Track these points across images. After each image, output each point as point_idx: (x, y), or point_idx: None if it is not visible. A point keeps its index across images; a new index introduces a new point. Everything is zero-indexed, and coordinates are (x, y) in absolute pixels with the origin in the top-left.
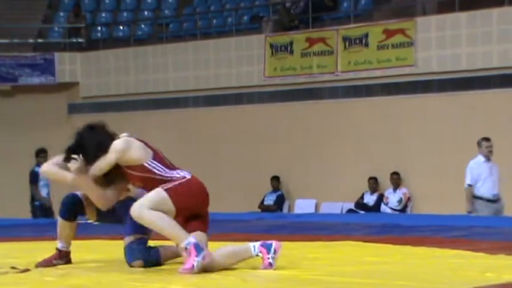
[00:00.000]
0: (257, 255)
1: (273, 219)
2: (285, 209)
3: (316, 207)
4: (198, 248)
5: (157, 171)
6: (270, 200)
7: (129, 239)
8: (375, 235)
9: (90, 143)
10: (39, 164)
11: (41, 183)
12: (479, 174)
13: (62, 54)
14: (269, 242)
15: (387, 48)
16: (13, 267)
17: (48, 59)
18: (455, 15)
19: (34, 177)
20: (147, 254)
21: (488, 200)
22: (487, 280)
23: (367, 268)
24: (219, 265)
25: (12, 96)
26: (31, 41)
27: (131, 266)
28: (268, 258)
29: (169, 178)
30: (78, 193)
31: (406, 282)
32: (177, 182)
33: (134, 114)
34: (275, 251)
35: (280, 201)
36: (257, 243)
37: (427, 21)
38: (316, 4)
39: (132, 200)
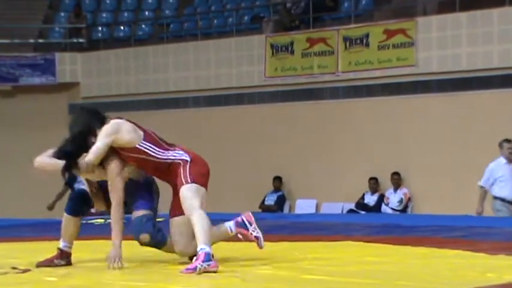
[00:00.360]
0: (237, 235)
1: (274, 219)
2: (286, 209)
3: (317, 207)
4: (208, 257)
5: (151, 153)
6: (270, 200)
7: (137, 213)
8: (376, 235)
9: (78, 142)
10: None
11: (81, 183)
12: (501, 176)
13: (63, 54)
14: (239, 219)
15: (388, 48)
16: (14, 268)
17: (48, 59)
18: (455, 15)
19: (72, 178)
20: (154, 230)
21: (510, 202)
22: (487, 280)
23: (367, 268)
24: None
25: (12, 96)
26: (32, 41)
27: (138, 240)
28: (252, 233)
29: (164, 159)
30: (84, 187)
31: (406, 282)
32: (186, 170)
33: (135, 114)
34: (250, 222)
35: (281, 201)
36: (232, 224)
37: (428, 21)
38: (317, 4)
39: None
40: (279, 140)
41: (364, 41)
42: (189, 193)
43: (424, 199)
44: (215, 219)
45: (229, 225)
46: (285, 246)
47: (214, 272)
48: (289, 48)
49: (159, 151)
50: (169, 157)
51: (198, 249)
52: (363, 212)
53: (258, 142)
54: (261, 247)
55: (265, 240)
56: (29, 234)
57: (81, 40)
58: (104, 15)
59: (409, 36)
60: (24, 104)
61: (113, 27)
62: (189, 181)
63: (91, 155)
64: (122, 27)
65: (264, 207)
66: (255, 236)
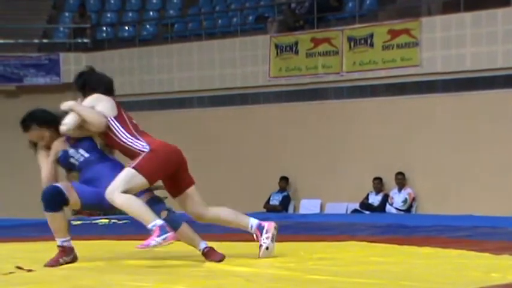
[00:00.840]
0: (254, 235)
1: (278, 219)
2: (290, 209)
3: (321, 207)
4: (163, 230)
5: (115, 131)
6: (275, 200)
7: (145, 197)
8: (380, 235)
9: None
10: None
11: None
12: None
13: (67, 54)
14: (263, 223)
15: (392, 48)
16: (18, 267)
17: (53, 59)
18: (460, 15)
19: None
20: (174, 213)
21: None
22: (491, 280)
23: (372, 268)
24: (210, 220)
25: (17, 96)
26: (36, 41)
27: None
28: (262, 240)
29: (124, 143)
30: (59, 184)
31: (410, 282)
32: (141, 157)
33: (139, 114)
34: (267, 231)
35: (286, 201)
36: (255, 223)
37: (432, 21)
38: (321, 4)
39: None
40: (283, 140)
41: (369, 41)
42: (121, 179)
43: (429, 199)
44: None
45: (252, 222)
46: (290, 246)
47: (171, 243)
48: (294, 48)
49: (123, 133)
50: (130, 143)
51: (149, 227)
52: (367, 212)
53: (262, 142)
54: (259, 256)
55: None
56: (32, 234)
57: (85, 40)
58: (109, 15)
59: (413, 36)
60: (29, 104)
61: (118, 27)
62: (131, 166)
63: (67, 120)
64: (126, 27)
65: (268, 207)
66: (261, 245)
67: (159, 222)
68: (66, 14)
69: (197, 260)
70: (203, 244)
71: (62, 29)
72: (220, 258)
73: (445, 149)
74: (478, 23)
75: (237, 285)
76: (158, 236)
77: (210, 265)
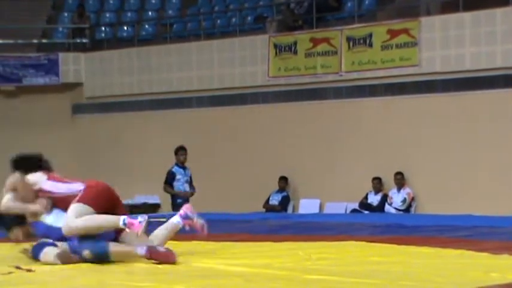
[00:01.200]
0: (185, 227)
1: (277, 219)
2: (289, 209)
3: (320, 207)
4: (134, 217)
5: (48, 189)
6: (275, 200)
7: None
8: (379, 235)
9: None
10: (178, 164)
11: (180, 182)
12: None
13: (66, 54)
14: (182, 212)
15: (391, 48)
16: (17, 267)
17: (52, 60)
18: (459, 15)
19: (171, 178)
20: (92, 245)
21: None
22: (491, 280)
23: (371, 268)
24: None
25: (16, 96)
26: (35, 41)
27: (82, 258)
28: (197, 221)
29: (62, 193)
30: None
31: (410, 282)
32: (80, 194)
33: (138, 114)
34: (192, 213)
35: (285, 201)
36: (179, 219)
37: (431, 21)
38: (320, 4)
39: None
40: (282, 140)
41: (368, 41)
42: (70, 212)
43: (428, 199)
44: (219, 219)
45: (177, 220)
46: (289, 246)
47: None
48: (293, 48)
49: (56, 187)
50: (68, 191)
51: (120, 224)
52: (366, 212)
53: (261, 142)
54: (206, 233)
55: (269, 240)
56: None
57: (84, 40)
58: (107, 15)
59: (412, 36)
60: (28, 104)
61: (116, 27)
62: (74, 202)
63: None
64: (125, 28)
65: (268, 207)
66: (201, 224)
67: (123, 216)
68: (65, 14)
69: (197, 260)
70: (141, 250)
71: (61, 29)
72: (171, 259)
73: (445, 148)
74: (477, 23)
75: (236, 285)
76: (137, 218)
77: (209, 265)
